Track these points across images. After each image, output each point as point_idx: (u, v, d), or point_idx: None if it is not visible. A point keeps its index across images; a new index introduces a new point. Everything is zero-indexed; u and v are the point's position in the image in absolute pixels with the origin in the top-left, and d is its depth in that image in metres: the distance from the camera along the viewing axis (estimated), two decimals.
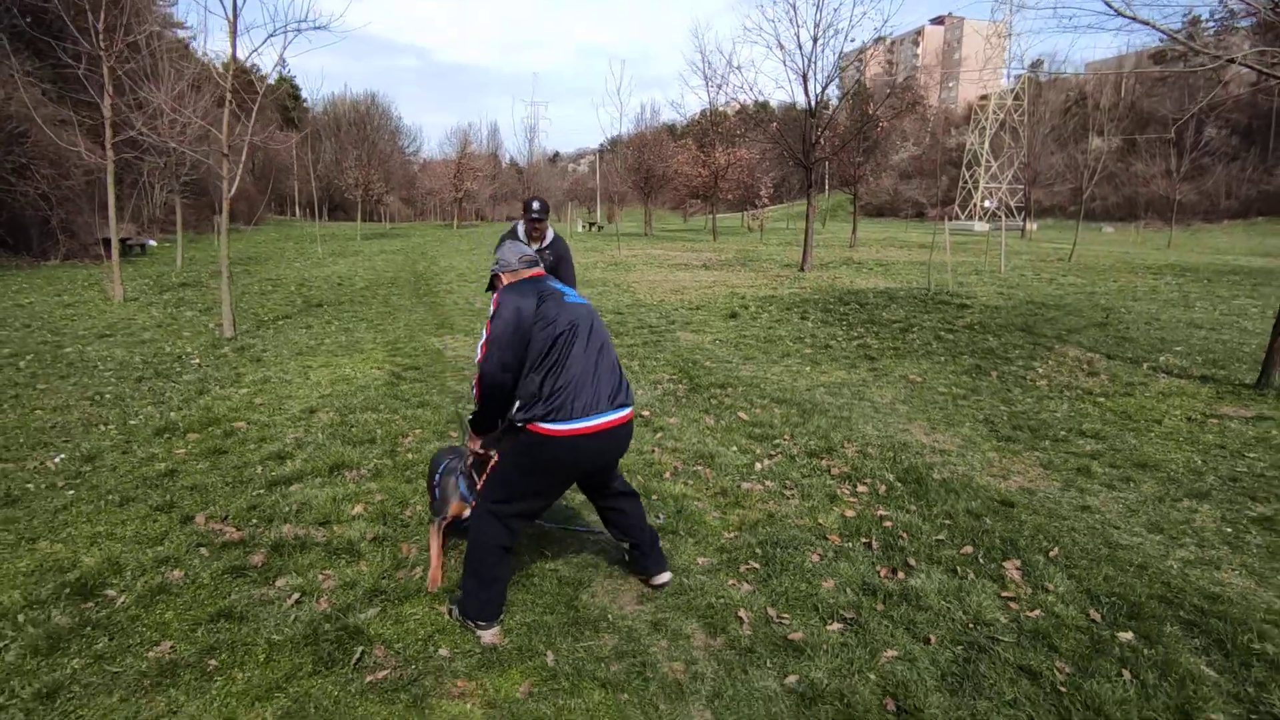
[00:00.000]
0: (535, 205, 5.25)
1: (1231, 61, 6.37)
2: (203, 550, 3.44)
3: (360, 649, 2.72)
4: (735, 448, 5.15)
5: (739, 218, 59.41)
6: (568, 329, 2.80)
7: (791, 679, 2.65)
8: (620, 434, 2.92)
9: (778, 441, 5.30)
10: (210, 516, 3.79)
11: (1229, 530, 4.01)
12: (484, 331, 2.82)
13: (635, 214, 57.49)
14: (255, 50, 8.50)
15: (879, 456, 5.00)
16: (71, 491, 4.14)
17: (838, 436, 5.41)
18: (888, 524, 3.93)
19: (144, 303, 11.71)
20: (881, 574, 3.40)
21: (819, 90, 17.54)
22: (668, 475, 4.60)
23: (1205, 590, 3.30)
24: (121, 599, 3.02)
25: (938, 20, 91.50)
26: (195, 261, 19.05)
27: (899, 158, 70.97)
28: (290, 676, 2.56)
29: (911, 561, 3.51)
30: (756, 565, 3.46)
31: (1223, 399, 6.52)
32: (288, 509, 3.88)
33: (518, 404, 2.78)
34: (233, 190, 8.28)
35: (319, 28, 8.25)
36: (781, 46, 17.36)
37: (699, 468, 4.75)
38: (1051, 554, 3.59)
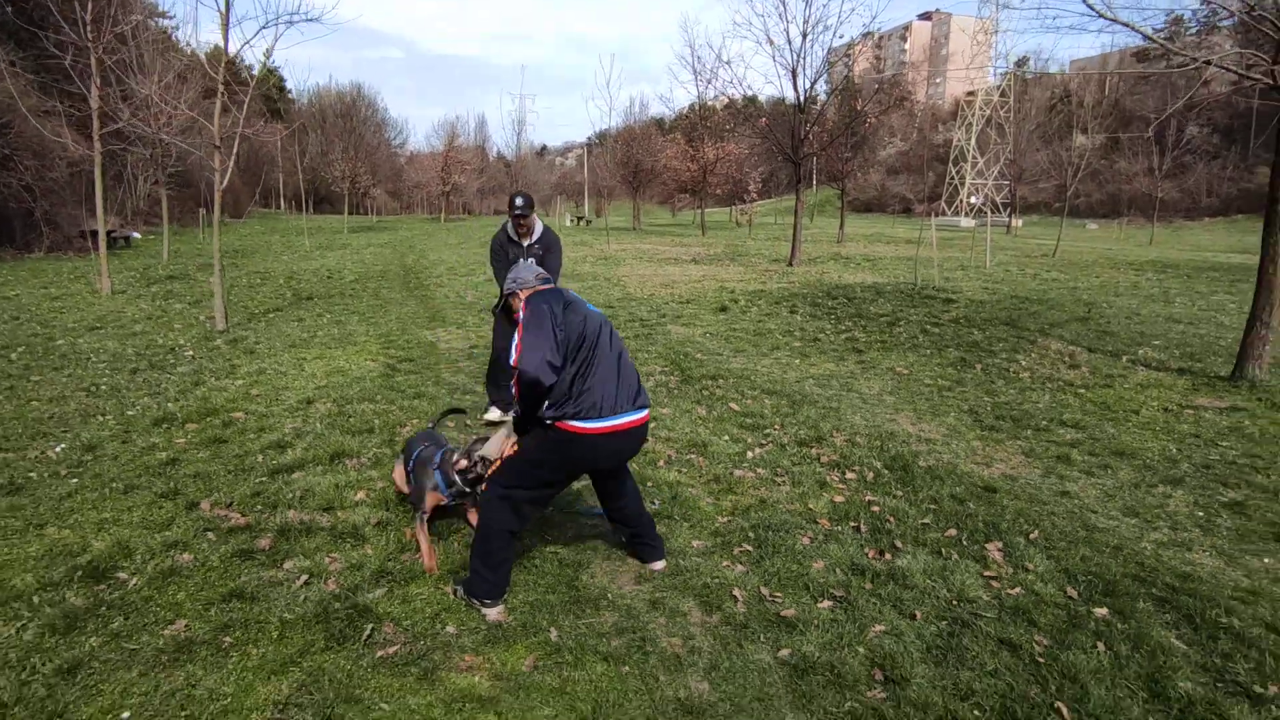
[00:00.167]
0: (518, 201, 5.26)
1: (1208, 64, 6.56)
2: (210, 535, 3.52)
3: (370, 626, 2.82)
4: (727, 437, 5.27)
5: (727, 212, 59.54)
6: (595, 333, 2.97)
7: (785, 652, 2.77)
8: (639, 433, 3.09)
9: (768, 431, 5.42)
10: (215, 503, 3.86)
11: (1201, 514, 4.19)
12: (515, 337, 2.90)
13: (623, 208, 57.47)
14: (247, 42, 8.49)
15: (867, 445, 5.15)
16: (75, 480, 4.20)
17: (827, 426, 5.54)
18: (875, 509, 4.06)
19: (132, 295, 11.66)
20: (869, 555, 3.54)
21: (808, 86, 17.69)
22: (662, 463, 4.71)
23: (1177, 570, 3.46)
24: (133, 581, 3.10)
25: (925, 16, 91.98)
26: (181, 254, 18.93)
27: (886, 153, 71.37)
28: (304, 652, 2.66)
29: (898, 544, 3.64)
30: (749, 548, 3.59)
31: (1198, 390, 6.72)
32: (291, 495, 3.96)
33: (546, 402, 2.90)
34: (225, 182, 8.29)
35: (312, 20, 8.25)
36: (771, 42, 17.48)
37: (692, 456, 4.86)
38: (1032, 536, 3.74)
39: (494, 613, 2.94)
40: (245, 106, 8.47)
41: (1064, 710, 2.47)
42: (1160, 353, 8.12)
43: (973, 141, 60.18)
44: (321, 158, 46.74)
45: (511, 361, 2.87)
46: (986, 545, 3.64)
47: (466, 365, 7.41)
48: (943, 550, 3.59)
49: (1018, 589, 3.24)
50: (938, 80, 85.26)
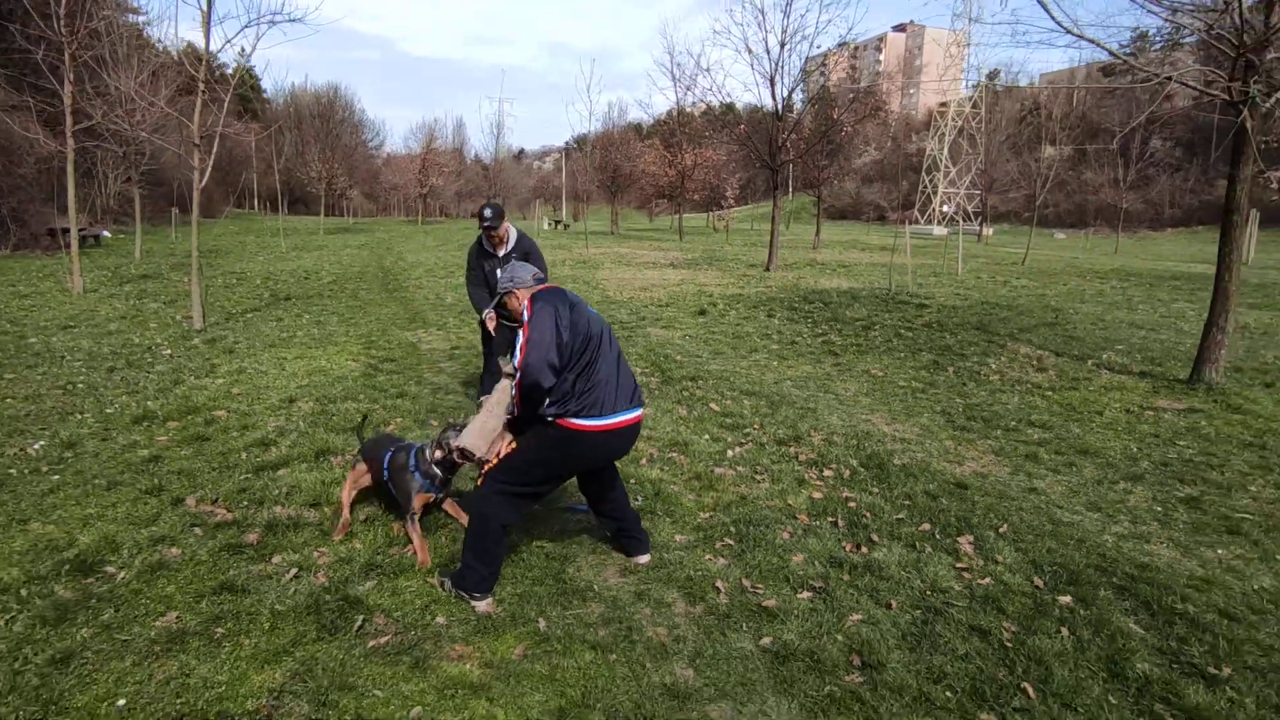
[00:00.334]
0: (487, 212, 5.03)
1: (1170, 79, 6.83)
2: (196, 530, 3.54)
3: (361, 617, 2.87)
4: (708, 436, 5.38)
5: (704, 218, 59.93)
6: (597, 334, 3.05)
7: (766, 640, 2.88)
8: (635, 431, 3.20)
9: (748, 430, 5.54)
10: (201, 499, 3.87)
11: (1159, 509, 4.38)
12: (519, 337, 2.94)
13: (601, 213, 57.62)
14: (229, 41, 8.42)
15: (844, 444, 5.28)
16: (56, 476, 4.18)
17: (805, 426, 5.68)
18: (852, 504, 4.19)
19: (105, 294, 11.49)
20: (847, 549, 3.66)
21: (785, 94, 17.95)
22: (644, 461, 4.81)
23: (1136, 560, 3.64)
24: (122, 574, 3.11)
25: (899, 28, 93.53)
26: (153, 253, 18.64)
27: (861, 161, 72.27)
28: (296, 642, 2.70)
29: (874, 537, 3.77)
30: (731, 542, 3.69)
31: (1158, 393, 6.98)
32: (277, 492, 3.98)
33: (549, 401, 2.97)
34: (204, 181, 8.24)
35: (295, 20, 8.24)
36: (750, 50, 17.70)
37: (674, 454, 4.96)
38: (1001, 530, 3.89)
39: (484, 605, 3.00)
40: (225, 106, 8.42)
41: (1030, 690, 2.60)
42: (1123, 357, 8.40)
43: (945, 151, 61.26)
44: (298, 158, 46.24)
45: (516, 362, 2.92)
46: (958, 538, 3.78)
47: (448, 366, 7.45)
48: (917, 543, 3.72)
49: (987, 579, 3.38)
50: (911, 91, 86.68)
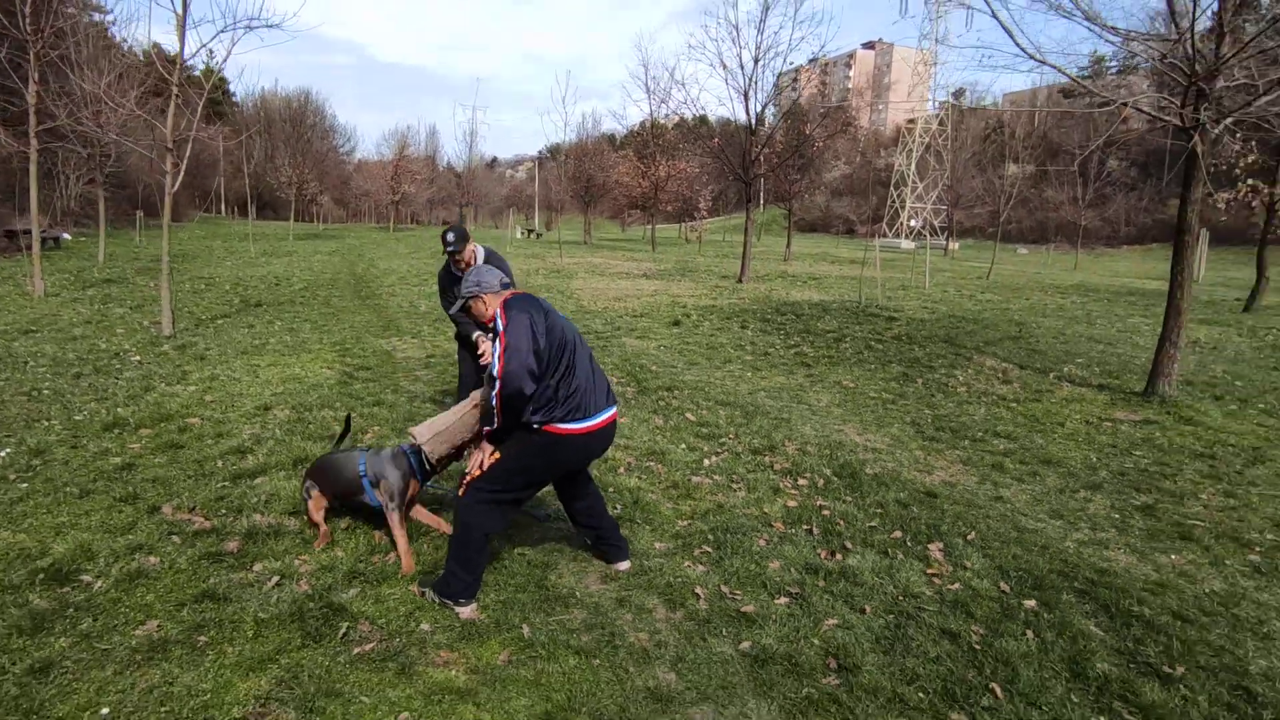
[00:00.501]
0: (449, 237, 4.70)
1: (1126, 104, 7.14)
2: (174, 538, 3.51)
3: (345, 624, 2.88)
4: (684, 445, 5.46)
5: (676, 229, 60.32)
6: (572, 338, 3.13)
7: (745, 645, 2.95)
8: (613, 430, 3.29)
9: (723, 440, 5.64)
10: (177, 507, 3.84)
11: (1117, 516, 4.57)
12: (496, 345, 2.96)
13: (574, 222, 57.63)
14: (204, 46, 8.36)
15: (817, 454, 5.41)
16: (25, 484, 4.10)
17: (779, 436, 5.79)
18: (826, 513, 4.30)
19: (67, 299, 11.22)
20: (822, 555, 3.76)
21: (759, 109, 18.25)
22: (622, 470, 4.86)
23: (1096, 565, 3.79)
24: (99, 583, 3.08)
25: (869, 45, 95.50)
26: (116, 257, 18.22)
27: (831, 176, 73.50)
28: (281, 650, 2.71)
29: (848, 544, 3.88)
30: (709, 549, 3.77)
31: (1116, 405, 7.25)
32: (256, 500, 3.96)
33: (531, 408, 3.01)
34: (176, 185, 8.13)
35: (272, 26, 8.19)
36: (725, 66, 17.99)
37: (651, 463, 5.03)
38: (969, 537, 4.03)
39: (468, 611, 3.03)
40: (199, 110, 8.33)
41: (998, 690, 2.71)
42: (1083, 370, 8.69)
43: (913, 167, 62.63)
44: (267, 163, 45.56)
45: (495, 371, 2.94)
46: (928, 545, 3.90)
47: (424, 374, 7.43)
48: (889, 550, 3.84)
49: (957, 585, 3.50)
50: (880, 107, 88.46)
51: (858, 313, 12.75)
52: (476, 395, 3.53)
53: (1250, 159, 7.95)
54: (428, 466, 3.53)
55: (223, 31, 7.62)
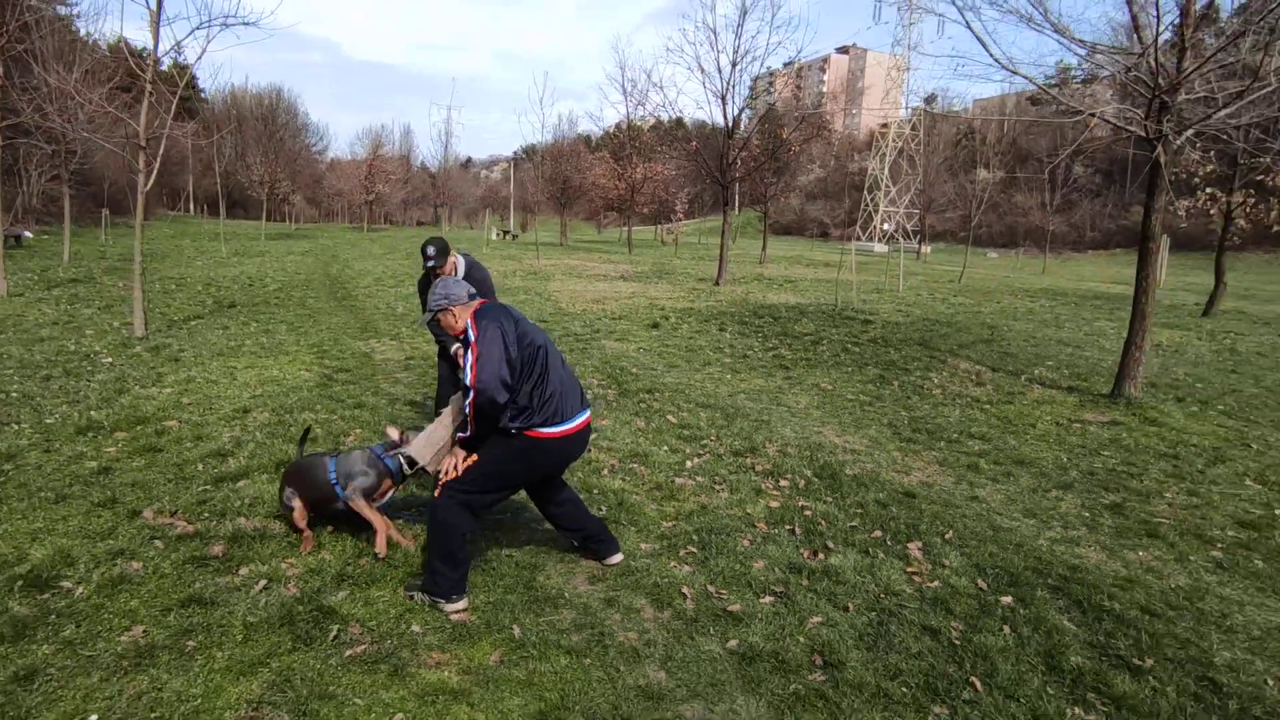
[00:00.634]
0: (429, 251, 4.53)
1: (1093, 115, 7.36)
2: (157, 543, 3.47)
3: (336, 627, 2.88)
4: (666, 447, 5.51)
5: (652, 231, 60.44)
6: (542, 344, 3.17)
7: (733, 643, 3.01)
8: (588, 433, 3.35)
9: (705, 442, 5.70)
10: (159, 511, 3.79)
11: (1087, 515, 4.71)
12: (469, 355, 2.99)
13: (550, 224, 57.51)
14: (178, 44, 8.22)
15: (798, 455, 5.49)
16: None
17: (760, 438, 5.87)
18: (808, 513, 4.38)
19: (32, 299, 10.96)
20: (805, 555, 3.83)
21: (736, 112, 18.39)
22: (605, 472, 4.90)
23: (1068, 562, 3.92)
24: (80, 589, 3.04)
25: (843, 50, 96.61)
26: (82, 256, 17.80)
27: (806, 179, 74.21)
28: (271, 653, 2.70)
29: (830, 544, 3.96)
30: (694, 549, 3.82)
31: (1084, 407, 7.45)
32: (239, 503, 3.93)
33: (509, 414, 3.06)
34: (149, 184, 7.99)
35: (249, 24, 8.09)
36: (703, 70, 18.09)
37: (634, 465, 5.07)
38: (947, 536, 4.13)
39: (457, 609, 3.05)
40: (172, 108, 8.20)
41: (977, 684, 2.80)
42: (1053, 372, 8.92)
43: (886, 171, 63.47)
44: (238, 161, 44.79)
45: (468, 380, 2.97)
46: (908, 544, 4.00)
47: (404, 376, 7.40)
48: (870, 550, 3.92)
49: (936, 582, 3.59)
50: (854, 111, 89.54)
51: (834, 315, 12.92)
52: (458, 398, 3.56)
53: (1209, 169, 8.24)
54: (406, 471, 3.56)
55: (198, 28, 7.50)
